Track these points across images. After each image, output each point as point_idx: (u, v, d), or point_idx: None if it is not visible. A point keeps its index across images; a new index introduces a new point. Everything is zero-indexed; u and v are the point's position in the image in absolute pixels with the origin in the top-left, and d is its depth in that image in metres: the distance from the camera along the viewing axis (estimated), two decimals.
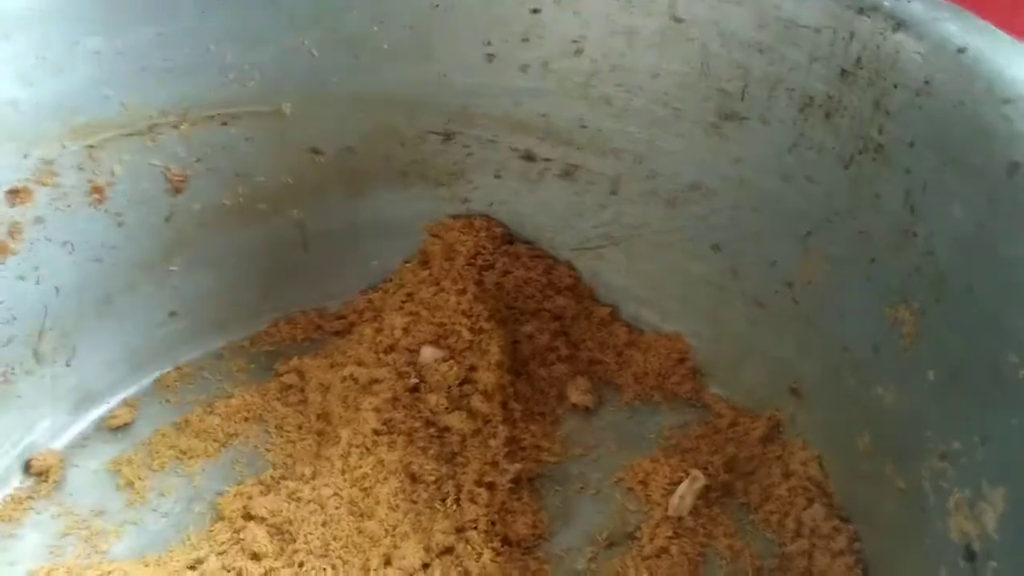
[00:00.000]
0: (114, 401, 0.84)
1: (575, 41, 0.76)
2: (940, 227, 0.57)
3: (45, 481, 0.77)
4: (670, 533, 0.74)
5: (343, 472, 0.76)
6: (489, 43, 0.78)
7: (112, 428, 0.82)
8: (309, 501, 0.75)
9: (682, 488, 0.76)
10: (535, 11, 0.75)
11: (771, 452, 0.78)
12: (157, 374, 0.86)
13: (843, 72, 0.62)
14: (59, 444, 0.80)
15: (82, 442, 0.81)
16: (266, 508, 0.74)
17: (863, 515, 0.69)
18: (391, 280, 0.91)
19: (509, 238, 0.90)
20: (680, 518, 0.76)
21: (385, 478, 0.76)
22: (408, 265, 0.90)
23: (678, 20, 0.70)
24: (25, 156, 0.68)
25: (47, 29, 0.66)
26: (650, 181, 0.80)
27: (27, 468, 0.78)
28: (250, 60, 0.76)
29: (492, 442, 0.79)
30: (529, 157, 0.84)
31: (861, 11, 0.60)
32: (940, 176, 0.57)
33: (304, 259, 0.90)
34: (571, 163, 0.83)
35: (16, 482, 0.77)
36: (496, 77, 0.80)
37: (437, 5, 0.76)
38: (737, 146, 0.72)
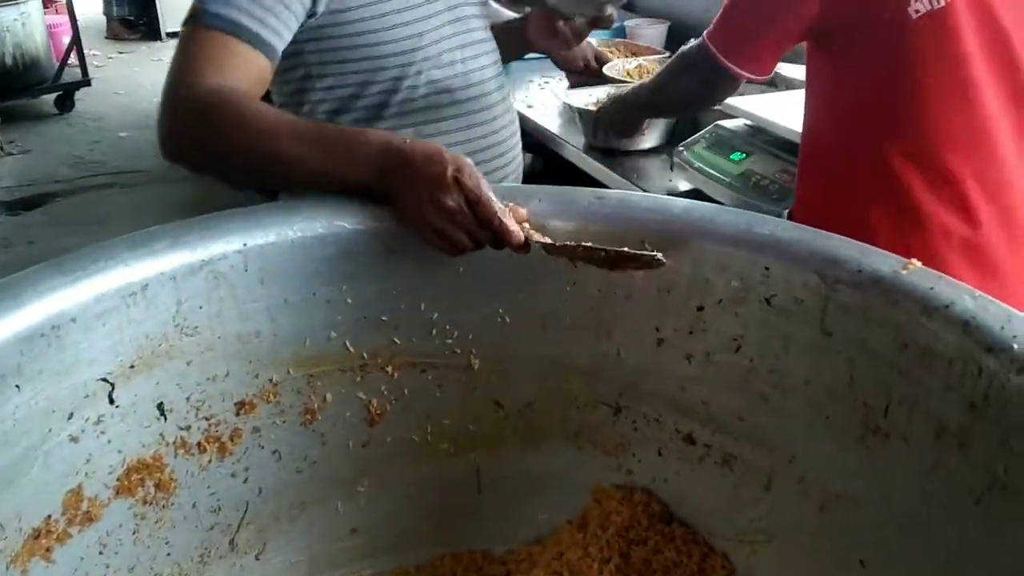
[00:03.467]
0: None
1: (735, 339, 0.81)
2: None
3: None
4: None
5: None
6: (659, 329, 0.85)
7: None
8: None
9: None
10: (700, 308, 0.82)
11: None
12: None
13: (972, 405, 0.61)
14: None
15: None
16: None
17: None
18: (552, 537, 0.96)
19: (668, 517, 0.92)
20: None
21: None
22: (568, 525, 0.95)
23: (827, 333, 0.73)
24: (256, 376, 0.84)
25: (294, 280, 0.83)
26: (802, 483, 0.80)
27: None
28: (452, 319, 0.89)
29: None
30: (690, 440, 0.88)
31: (990, 350, 0.60)
32: None
33: (476, 501, 0.98)
34: (729, 452, 0.85)
35: None
36: (664, 361, 0.86)
37: (615, 292, 0.85)
38: (881, 461, 0.72)
